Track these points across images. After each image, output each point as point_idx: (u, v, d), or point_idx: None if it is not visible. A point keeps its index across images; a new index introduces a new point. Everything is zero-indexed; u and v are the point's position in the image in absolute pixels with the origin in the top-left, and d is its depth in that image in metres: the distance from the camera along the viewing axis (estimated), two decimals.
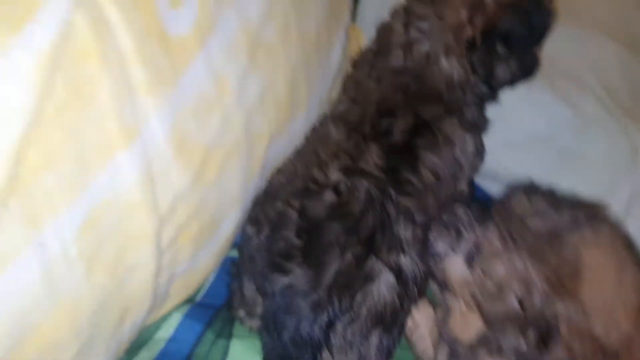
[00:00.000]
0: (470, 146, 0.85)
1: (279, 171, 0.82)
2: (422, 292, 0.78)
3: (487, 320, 0.68)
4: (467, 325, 0.71)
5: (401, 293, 0.71)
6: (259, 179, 0.76)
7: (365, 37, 1.08)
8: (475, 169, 0.91)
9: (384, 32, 0.91)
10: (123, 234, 0.57)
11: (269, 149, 0.75)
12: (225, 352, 0.78)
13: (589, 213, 0.72)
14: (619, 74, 1.02)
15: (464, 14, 0.83)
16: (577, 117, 0.96)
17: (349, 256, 0.70)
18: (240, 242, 0.81)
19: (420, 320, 0.82)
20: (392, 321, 0.72)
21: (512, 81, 0.91)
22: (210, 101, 0.64)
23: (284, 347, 0.71)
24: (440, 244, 0.74)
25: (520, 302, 0.65)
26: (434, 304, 0.83)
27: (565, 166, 0.96)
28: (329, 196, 0.73)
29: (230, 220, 0.73)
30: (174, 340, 0.76)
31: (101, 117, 0.53)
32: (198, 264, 0.72)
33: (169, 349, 0.75)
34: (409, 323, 0.80)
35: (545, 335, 0.64)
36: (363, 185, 0.73)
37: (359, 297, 0.69)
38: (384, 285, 0.71)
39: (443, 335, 0.76)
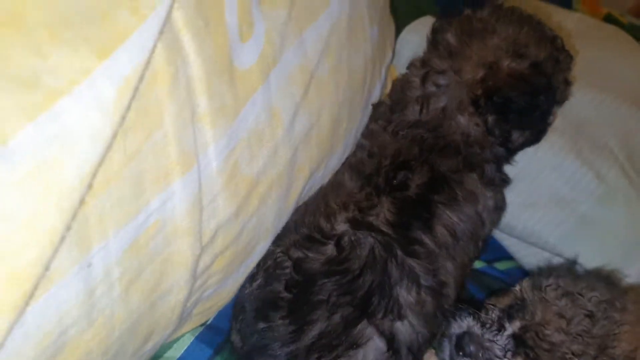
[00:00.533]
0: (491, 202, 0.85)
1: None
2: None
3: None
4: None
5: None
6: (291, 212, 0.76)
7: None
8: (495, 224, 0.91)
9: (400, 85, 0.91)
10: (164, 259, 0.57)
11: (307, 184, 0.75)
12: None
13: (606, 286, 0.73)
14: None
15: (479, 73, 0.83)
16: (600, 186, 0.98)
17: (337, 317, 0.67)
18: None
19: None
20: None
21: (525, 145, 0.92)
22: (263, 134, 0.64)
23: None
24: None
25: None
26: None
27: (583, 231, 0.97)
28: (329, 249, 0.71)
29: (260, 249, 0.73)
30: None
31: (163, 143, 0.53)
32: (223, 290, 0.72)
33: None
34: None
35: None
36: (368, 241, 0.72)
37: None
38: (371, 352, 0.68)
39: None
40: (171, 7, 0.48)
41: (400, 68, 1.09)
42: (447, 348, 0.75)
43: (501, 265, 1.05)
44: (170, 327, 0.64)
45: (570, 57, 0.93)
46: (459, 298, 0.81)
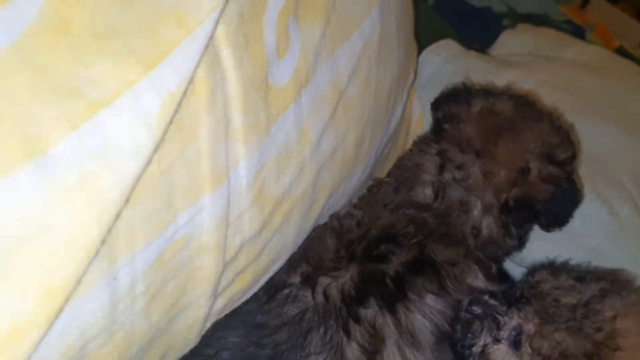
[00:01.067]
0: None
1: None
2: None
3: None
4: None
5: None
6: (309, 231, 0.75)
7: (416, 98, 1.09)
8: None
9: (409, 167, 0.85)
10: (188, 275, 0.56)
11: (327, 203, 0.75)
12: None
13: (614, 282, 0.74)
14: None
15: (510, 176, 0.79)
16: (613, 221, 0.97)
17: None
18: None
19: None
20: None
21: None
22: (291, 153, 0.63)
23: None
24: (478, 336, 0.73)
25: None
26: None
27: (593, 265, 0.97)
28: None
29: (277, 267, 0.72)
30: None
31: (196, 157, 0.52)
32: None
33: None
34: None
35: None
36: (305, 302, 0.69)
37: None
38: None
39: None
40: (217, 21, 0.48)
41: (418, 88, 1.09)
42: None
43: None
44: (190, 345, 0.63)
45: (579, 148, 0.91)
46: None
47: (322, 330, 0.67)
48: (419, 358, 0.70)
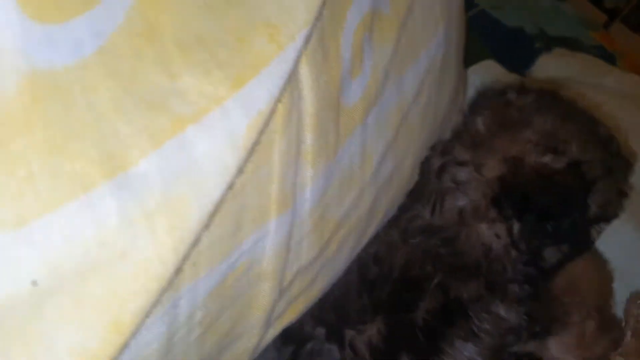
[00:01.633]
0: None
1: None
2: None
3: None
4: None
5: None
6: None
7: None
8: None
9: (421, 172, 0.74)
10: (244, 303, 0.52)
11: (378, 227, 0.71)
12: None
13: None
14: None
15: (501, 169, 0.67)
16: None
17: None
18: None
19: None
20: None
21: (565, 262, 0.73)
22: (353, 177, 0.59)
23: None
24: None
25: None
26: None
27: None
28: (289, 351, 0.66)
29: (320, 297, 0.68)
30: None
31: (267, 180, 0.48)
32: None
33: None
34: None
35: None
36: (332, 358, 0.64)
37: None
38: None
39: None
40: (309, 38, 0.44)
41: None
42: None
43: None
44: None
45: (628, 165, 0.75)
46: None
47: None
48: None
